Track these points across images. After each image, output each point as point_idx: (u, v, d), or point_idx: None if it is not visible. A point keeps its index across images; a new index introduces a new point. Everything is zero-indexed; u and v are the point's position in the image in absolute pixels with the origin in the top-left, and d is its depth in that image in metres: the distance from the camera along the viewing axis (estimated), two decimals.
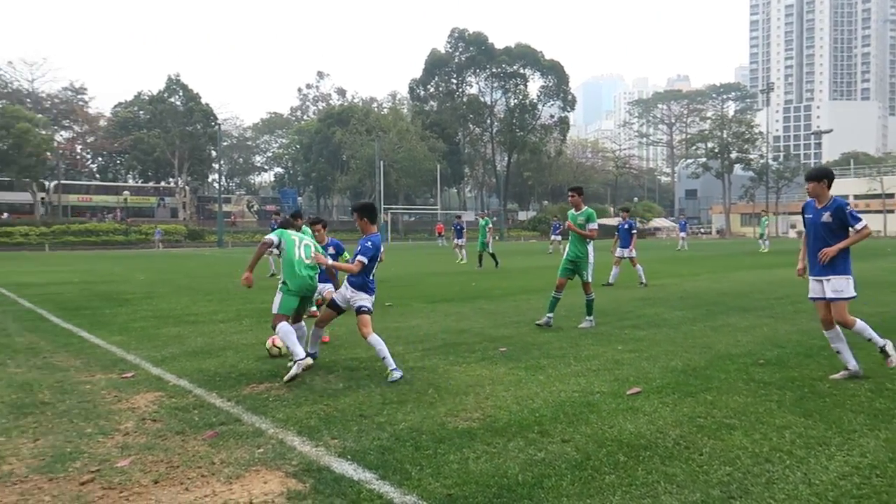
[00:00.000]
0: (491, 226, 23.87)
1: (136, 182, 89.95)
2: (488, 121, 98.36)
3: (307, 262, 6.87)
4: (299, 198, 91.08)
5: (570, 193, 9.61)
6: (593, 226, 9.39)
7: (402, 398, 5.94)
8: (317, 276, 6.96)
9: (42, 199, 70.99)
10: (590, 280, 9.45)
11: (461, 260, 26.70)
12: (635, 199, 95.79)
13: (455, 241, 27.41)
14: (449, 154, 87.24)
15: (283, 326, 6.48)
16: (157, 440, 4.97)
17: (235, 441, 4.92)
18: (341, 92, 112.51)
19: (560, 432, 5.03)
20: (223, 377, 6.80)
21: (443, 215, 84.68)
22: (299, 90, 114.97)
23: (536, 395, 6.01)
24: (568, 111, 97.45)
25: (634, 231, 16.00)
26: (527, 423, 5.24)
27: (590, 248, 9.46)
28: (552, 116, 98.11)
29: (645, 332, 9.18)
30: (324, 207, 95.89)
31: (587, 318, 9.53)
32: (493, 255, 23.22)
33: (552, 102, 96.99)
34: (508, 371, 6.95)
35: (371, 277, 6.70)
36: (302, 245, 6.95)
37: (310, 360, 6.55)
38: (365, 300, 6.67)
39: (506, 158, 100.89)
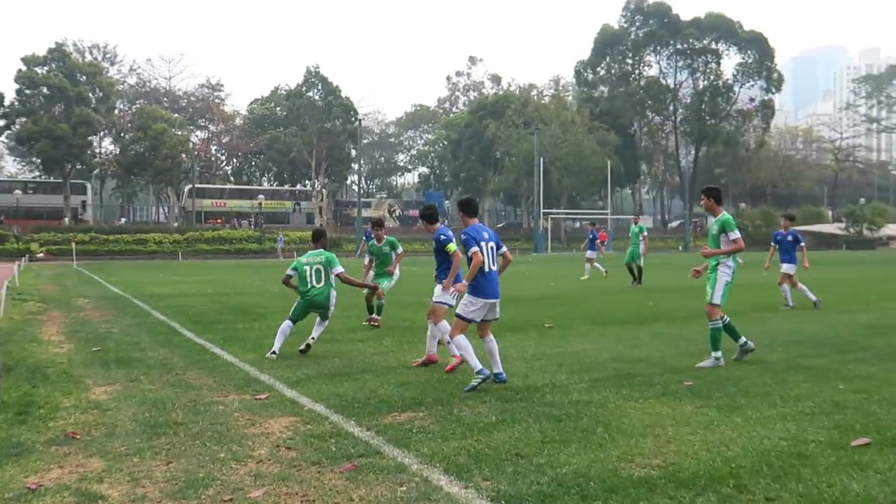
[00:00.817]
0: (646, 234, 23.14)
1: (271, 185, 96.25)
2: (671, 107, 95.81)
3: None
4: (446, 201, 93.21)
5: (702, 197, 9.28)
6: (734, 235, 8.83)
7: (566, 437, 5.89)
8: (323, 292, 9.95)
9: (180, 207, 77.61)
10: (717, 302, 8.92)
11: (583, 276, 26.30)
12: (861, 200, 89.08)
13: (587, 253, 26.91)
14: (622, 148, 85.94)
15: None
16: (292, 470, 5.24)
17: (375, 476, 5.08)
18: (495, 79, 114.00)
19: (763, 489, 4.77)
20: (362, 403, 7.06)
21: (614, 221, 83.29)
22: (448, 79, 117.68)
23: (732, 441, 5.74)
24: (772, 93, 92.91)
25: (802, 244, 15.51)
26: (719, 474, 5.01)
27: (729, 263, 9.02)
28: (752, 100, 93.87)
29: (875, 367, 8.59)
30: None
31: (713, 354, 8.85)
32: (638, 270, 22.48)
33: (752, 83, 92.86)
34: (696, 410, 6.72)
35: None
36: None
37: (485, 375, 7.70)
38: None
39: (692, 152, 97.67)
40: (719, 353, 8.89)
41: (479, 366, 7.55)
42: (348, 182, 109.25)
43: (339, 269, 9.96)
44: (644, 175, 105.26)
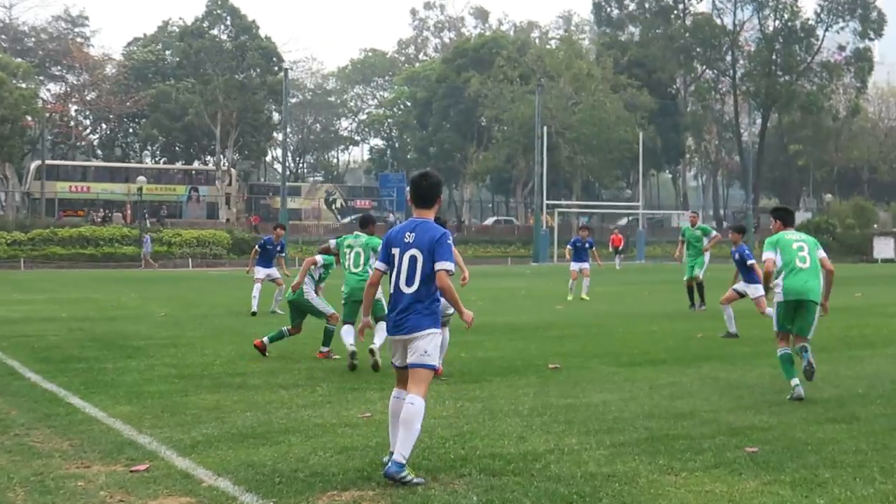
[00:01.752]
0: (716, 235, 23.21)
1: (157, 162, 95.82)
2: (728, 57, 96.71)
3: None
4: (408, 188, 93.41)
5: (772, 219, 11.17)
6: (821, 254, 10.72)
7: None
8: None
9: (24, 193, 76.80)
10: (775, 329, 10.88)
11: (570, 296, 26.84)
12: None
13: (571, 265, 27.22)
14: (660, 114, 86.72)
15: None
16: None
17: None
18: (480, 14, 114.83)
19: None
20: (286, 478, 7.02)
21: (648, 218, 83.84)
22: (413, 13, 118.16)
23: None
24: (870, 39, 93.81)
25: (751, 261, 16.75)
26: None
27: (779, 282, 10.44)
28: (841, 49, 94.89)
29: None
30: (449, 203, 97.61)
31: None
32: (699, 288, 22.82)
33: (842, 24, 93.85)
34: (762, 487, 6.78)
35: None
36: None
37: None
38: None
39: (758, 121, 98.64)
40: (794, 381, 10.35)
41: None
42: (268, 159, 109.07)
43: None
44: (690, 153, 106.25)
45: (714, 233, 23.29)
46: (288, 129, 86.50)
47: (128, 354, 14.07)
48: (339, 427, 8.77)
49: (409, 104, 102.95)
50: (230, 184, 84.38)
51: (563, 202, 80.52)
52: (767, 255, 10.63)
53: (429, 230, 7.24)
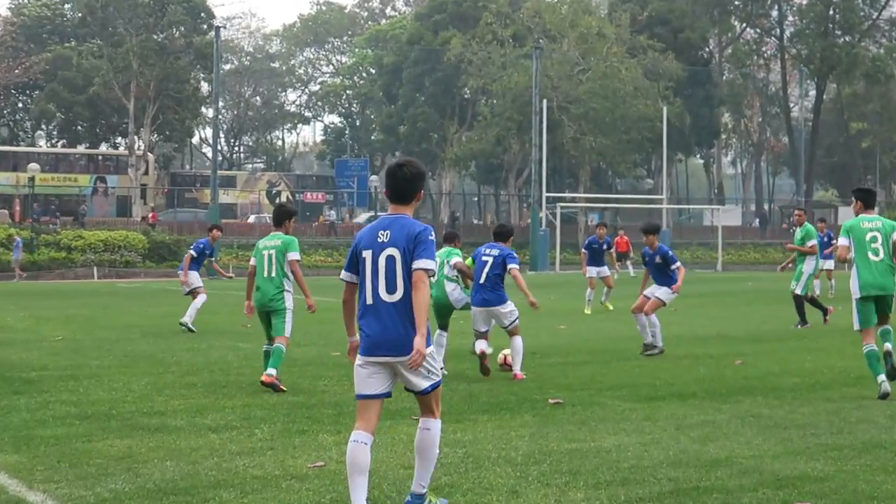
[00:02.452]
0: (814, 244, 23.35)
1: (54, 145, 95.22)
2: (774, 13, 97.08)
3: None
4: (373, 177, 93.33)
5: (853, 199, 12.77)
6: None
7: None
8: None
9: None
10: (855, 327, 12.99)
11: (588, 309, 28.25)
12: None
13: (588, 271, 28.21)
14: (688, 84, 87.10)
15: None
16: None
17: None
18: None
19: None
20: None
21: (674, 215, 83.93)
22: None
23: None
24: None
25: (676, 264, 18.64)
26: None
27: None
28: None
29: None
30: (424, 198, 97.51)
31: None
32: (811, 301, 23.54)
33: None
34: None
35: None
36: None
37: None
38: None
39: (812, 93, 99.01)
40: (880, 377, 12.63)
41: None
42: (195, 141, 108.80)
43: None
44: (727, 132, 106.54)
45: (813, 241, 23.30)
46: (220, 104, 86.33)
47: (15, 389, 13.97)
48: (284, 480, 8.72)
49: (373, 71, 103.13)
50: (147, 172, 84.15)
51: (568, 195, 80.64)
52: (841, 241, 13.04)
53: (406, 225, 7.36)
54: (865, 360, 12.79)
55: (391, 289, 7.20)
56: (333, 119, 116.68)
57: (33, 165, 71.85)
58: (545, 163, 71.19)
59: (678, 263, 18.49)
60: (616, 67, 79.67)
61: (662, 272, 18.52)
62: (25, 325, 25.15)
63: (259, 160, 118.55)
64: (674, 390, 13.71)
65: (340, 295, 7.70)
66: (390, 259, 7.24)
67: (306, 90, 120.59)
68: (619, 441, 10.32)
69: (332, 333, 20.13)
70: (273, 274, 13.87)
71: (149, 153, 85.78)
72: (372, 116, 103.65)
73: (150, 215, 76.90)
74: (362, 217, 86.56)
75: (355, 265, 7.49)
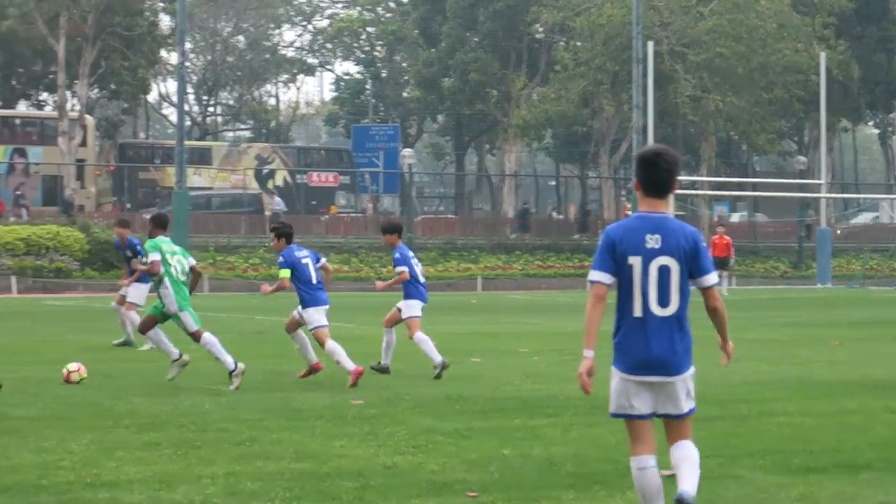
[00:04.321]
0: None
1: None
2: None
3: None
4: (406, 150, 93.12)
5: None
6: None
7: None
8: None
9: None
10: None
11: None
12: None
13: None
14: (857, 20, 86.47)
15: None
16: None
17: None
18: None
19: None
20: None
21: (837, 208, 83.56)
22: None
23: None
24: None
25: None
26: None
27: None
28: None
29: None
30: (477, 178, 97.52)
31: None
32: None
33: None
34: None
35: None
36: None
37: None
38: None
39: None
40: None
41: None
42: (152, 99, 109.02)
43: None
44: None
45: None
46: (187, 45, 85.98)
47: None
48: None
49: (404, 1, 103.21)
50: (84, 143, 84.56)
51: (685, 178, 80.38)
52: None
53: (678, 230, 8.54)
54: None
55: (664, 302, 8.36)
56: (348, 68, 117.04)
57: None
58: (651, 132, 71.07)
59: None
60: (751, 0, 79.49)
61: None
62: None
63: (244, 126, 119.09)
64: (840, 459, 13.67)
65: (589, 298, 8.54)
66: (664, 269, 8.37)
67: (310, 27, 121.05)
68: None
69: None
70: None
71: (87, 116, 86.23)
72: (403, 64, 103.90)
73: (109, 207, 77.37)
74: (389, 204, 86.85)
75: (613, 267, 8.42)
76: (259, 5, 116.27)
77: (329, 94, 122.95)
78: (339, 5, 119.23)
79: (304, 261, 21.19)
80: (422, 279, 23.30)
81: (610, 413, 8.76)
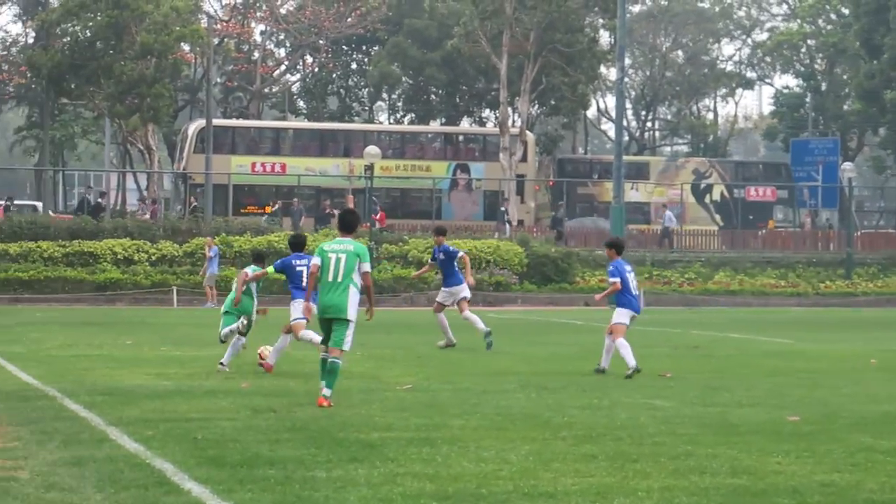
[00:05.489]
0: None
1: (398, 121, 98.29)
2: None
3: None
4: (846, 164, 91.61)
5: None
6: None
7: None
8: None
9: None
10: None
11: None
12: None
13: None
14: None
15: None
16: None
17: None
18: None
19: None
20: None
21: None
22: None
23: None
24: None
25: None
26: None
27: None
28: None
29: None
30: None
31: None
32: None
33: None
34: None
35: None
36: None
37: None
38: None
39: None
40: None
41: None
42: (591, 115, 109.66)
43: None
44: None
45: None
46: (627, 61, 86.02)
47: (352, 456, 14.43)
48: None
49: (845, 12, 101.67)
50: (525, 159, 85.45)
51: None
52: None
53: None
54: None
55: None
56: (788, 81, 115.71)
57: (372, 149, 72.84)
58: None
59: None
60: None
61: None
62: (362, 369, 25.95)
63: (681, 141, 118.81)
64: None
65: None
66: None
67: (749, 40, 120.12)
68: None
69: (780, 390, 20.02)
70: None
71: (527, 132, 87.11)
72: (844, 77, 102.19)
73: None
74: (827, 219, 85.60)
75: None
76: (698, 20, 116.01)
77: (767, 108, 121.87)
78: (779, 18, 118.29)
79: None
80: (634, 291, 25.58)
81: None
